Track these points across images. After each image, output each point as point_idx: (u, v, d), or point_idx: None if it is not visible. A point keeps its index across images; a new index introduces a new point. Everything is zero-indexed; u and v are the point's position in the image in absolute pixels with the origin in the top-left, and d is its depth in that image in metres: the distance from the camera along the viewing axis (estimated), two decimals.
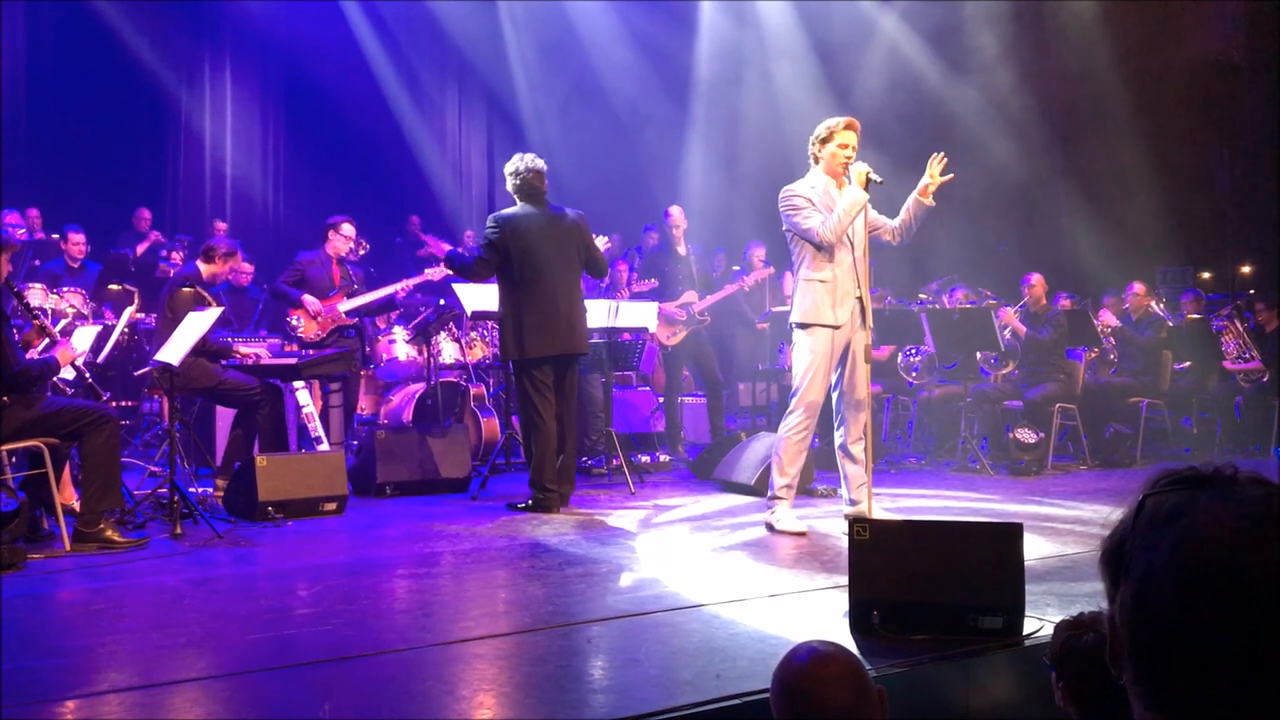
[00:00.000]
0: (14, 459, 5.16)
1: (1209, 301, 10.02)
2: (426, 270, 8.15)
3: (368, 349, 8.41)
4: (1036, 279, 8.26)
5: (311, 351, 6.97)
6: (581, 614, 3.62)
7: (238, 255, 6.82)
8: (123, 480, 5.18)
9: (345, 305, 7.46)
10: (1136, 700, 0.95)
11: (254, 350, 6.57)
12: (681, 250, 8.53)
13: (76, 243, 8.98)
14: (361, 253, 8.31)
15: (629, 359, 7.51)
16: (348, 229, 7.60)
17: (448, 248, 6.39)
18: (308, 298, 7.36)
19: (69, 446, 5.13)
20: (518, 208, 5.99)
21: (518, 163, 6.01)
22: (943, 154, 5.26)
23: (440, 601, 3.95)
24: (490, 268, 5.93)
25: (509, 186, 6.04)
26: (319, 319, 7.37)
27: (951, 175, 5.25)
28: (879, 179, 5.16)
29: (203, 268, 6.50)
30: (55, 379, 5.51)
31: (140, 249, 9.81)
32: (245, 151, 12.51)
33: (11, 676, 2.92)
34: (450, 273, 6.61)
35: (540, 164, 6.01)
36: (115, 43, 11.35)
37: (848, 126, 5.24)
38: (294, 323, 7.38)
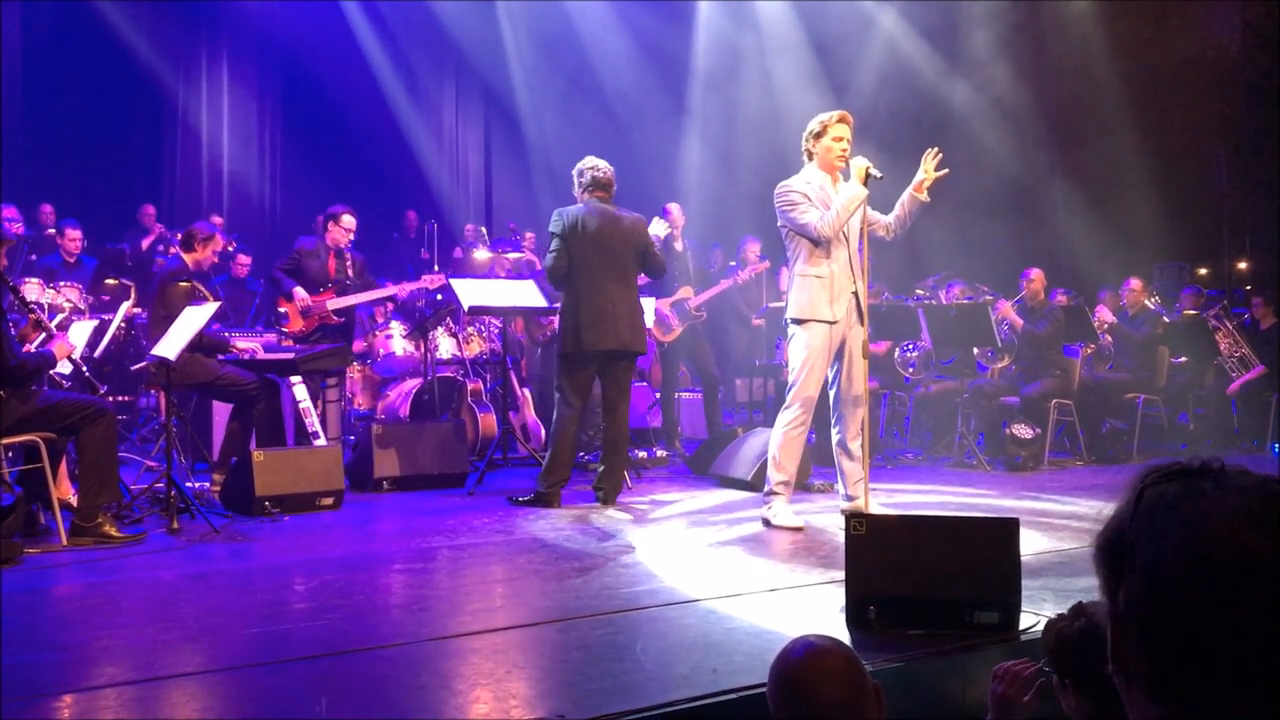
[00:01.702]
0: (10, 453, 5.15)
1: (1208, 298, 10.02)
2: (425, 277, 8.10)
3: (361, 344, 8.39)
4: (1036, 274, 8.27)
5: (301, 345, 6.94)
6: (578, 609, 3.62)
7: (217, 238, 6.71)
8: (119, 475, 5.18)
9: (334, 303, 7.38)
10: (1139, 695, 0.93)
11: (250, 345, 6.55)
12: (679, 246, 8.53)
13: (73, 238, 8.97)
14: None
15: None
16: (348, 220, 7.48)
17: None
18: (298, 291, 7.27)
19: (65, 441, 5.13)
20: (579, 204, 6.00)
21: (588, 161, 6.07)
22: (937, 149, 5.24)
23: (437, 596, 3.95)
24: (562, 256, 5.86)
25: (576, 186, 6.05)
26: (305, 315, 7.31)
27: (946, 170, 5.24)
28: (879, 174, 5.15)
29: (186, 257, 6.46)
30: (52, 373, 5.50)
31: (145, 243, 9.81)
32: (242, 147, 12.49)
33: (8, 671, 2.92)
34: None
35: (608, 166, 6.06)
36: (112, 39, 11.31)
37: (840, 120, 5.23)
38: (281, 312, 7.34)
